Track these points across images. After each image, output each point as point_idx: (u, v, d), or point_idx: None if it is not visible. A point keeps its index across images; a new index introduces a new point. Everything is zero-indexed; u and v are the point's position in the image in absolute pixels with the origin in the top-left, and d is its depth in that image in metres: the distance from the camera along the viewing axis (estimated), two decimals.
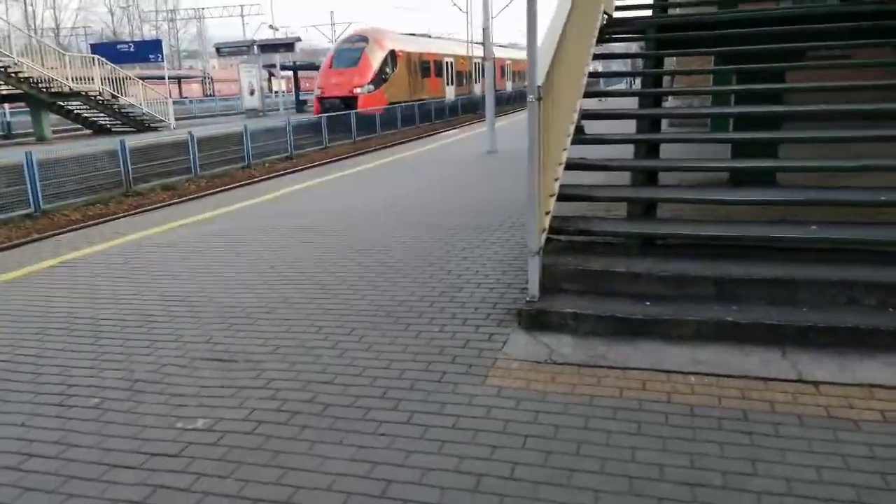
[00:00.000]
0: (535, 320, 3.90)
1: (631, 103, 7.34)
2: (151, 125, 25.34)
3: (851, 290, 3.68)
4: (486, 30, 14.53)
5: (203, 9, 63.76)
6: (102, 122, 24.82)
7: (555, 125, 4.34)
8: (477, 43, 33.50)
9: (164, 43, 37.28)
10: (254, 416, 3.06)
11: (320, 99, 27.53)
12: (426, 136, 22.71)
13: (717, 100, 9.02)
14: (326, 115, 24.38)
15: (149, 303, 4.80)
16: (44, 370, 3.71)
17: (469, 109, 35.66)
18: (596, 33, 6.22)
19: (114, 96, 24.19)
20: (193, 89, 59.01)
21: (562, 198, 4.66)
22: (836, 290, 3.70)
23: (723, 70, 7.84)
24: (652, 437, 2.72)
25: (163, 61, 28.99)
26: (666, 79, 8.99)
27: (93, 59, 24.23)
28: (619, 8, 7.79)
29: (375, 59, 28.07)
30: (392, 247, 6.01)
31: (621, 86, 32.65)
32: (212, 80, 60.67)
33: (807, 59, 6.97)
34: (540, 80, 3.80)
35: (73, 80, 22.83)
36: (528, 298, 4.04)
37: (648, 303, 3.88)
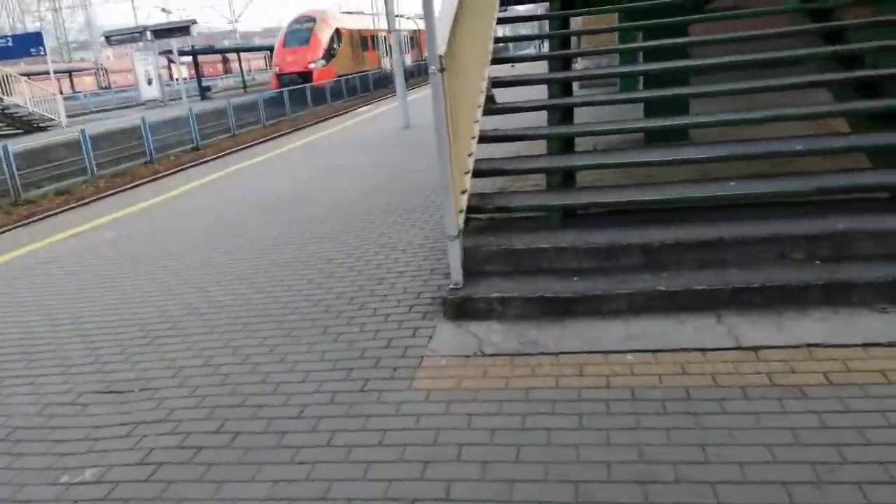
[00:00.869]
0: (460, 309, 3.64)
1: (541, 67, 7.13)
2: (40, 125, 23.63)
3: (779, 245, 3.59)
4: (388, 1, 14.03)
5: None
6: None
7: (463, 97, 4.04)
8: (399, 16, 35.14)
9: (49, 35, 34.71)
10: (152, 458, 2.68)
11: (278, 76, 30.98)
12: (358, 107, 22.04)
13: (624, 58, 8.95)
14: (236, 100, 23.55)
15: (33, 329, 4.28)
16: None
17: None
18: None
19: None
20: (87, 83, 55.41)
21: (478, 174, 4.40)
22: (763, 247, 3.60)
23: (628, 27, 7.74)
24: (595, 431, 2.52)
25: (46, 55, 26.85)
26: (574, 39, 8.82)
27: None
28: None
29: (324, 36, 32.04)
30: (306, 240, 5.62)
31: (530, 50, 32.66)
32: (106, 71, 57.05)
33: (707, 11, 6.92)
34: (441, 50, 3.49)
35: None
36: (451, 286, 3.77)
37: (576, 278, 3.68)
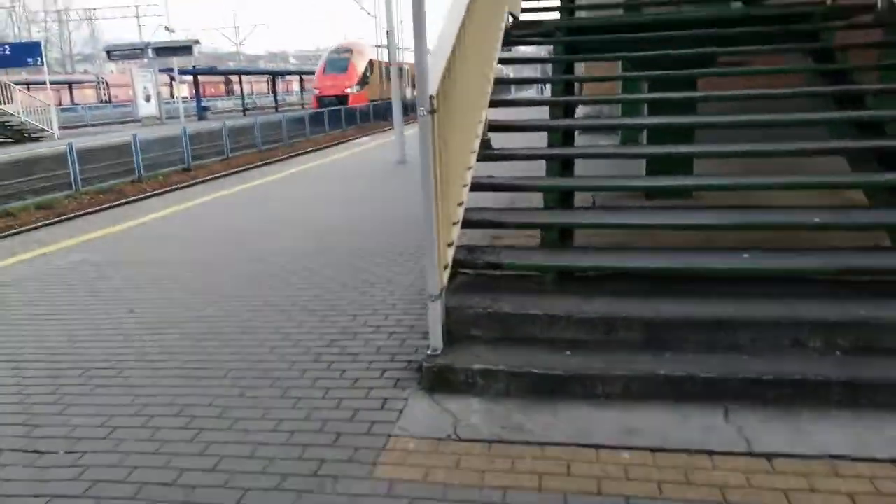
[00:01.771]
0: (437, 379, 3.24)
1: (542, 112, 6.85)
2: (32, 135, 23.26)
3: (795, 330, 3.22)
4: (389, 32, 13.89)
5: (95, 9, 59.15)
6: None
7: (455, 141, 3.70)
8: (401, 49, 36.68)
9: (55, 46, 34.55)
10: None
11: (318, 97, 35.31)
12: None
13: (627, 108, 8.70)
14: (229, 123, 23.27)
15: None
16: None
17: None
18: (501, 35, 5.66)
19: None
20: (87, 95, 55.27)
21: (468, 224, 4.05)
22: (777, 332, 3.23)
23: (632, 77, 7.48)
24: None
25: (43, 65, 26.59)
26: (576, 85, 8.59)
27: None
28: (525, 10, 7.28)
29: (360, 66, 36.55)
30: (284, 279, 5.22)
31: (531, 92, 32.71)
32: (107, 84, 56.95)
33: (718, 65, 6.68)
34: (433, 89, 3.16)
35: None
36: (429, 351, 3.38)
37: (569, 352, 3.30)
